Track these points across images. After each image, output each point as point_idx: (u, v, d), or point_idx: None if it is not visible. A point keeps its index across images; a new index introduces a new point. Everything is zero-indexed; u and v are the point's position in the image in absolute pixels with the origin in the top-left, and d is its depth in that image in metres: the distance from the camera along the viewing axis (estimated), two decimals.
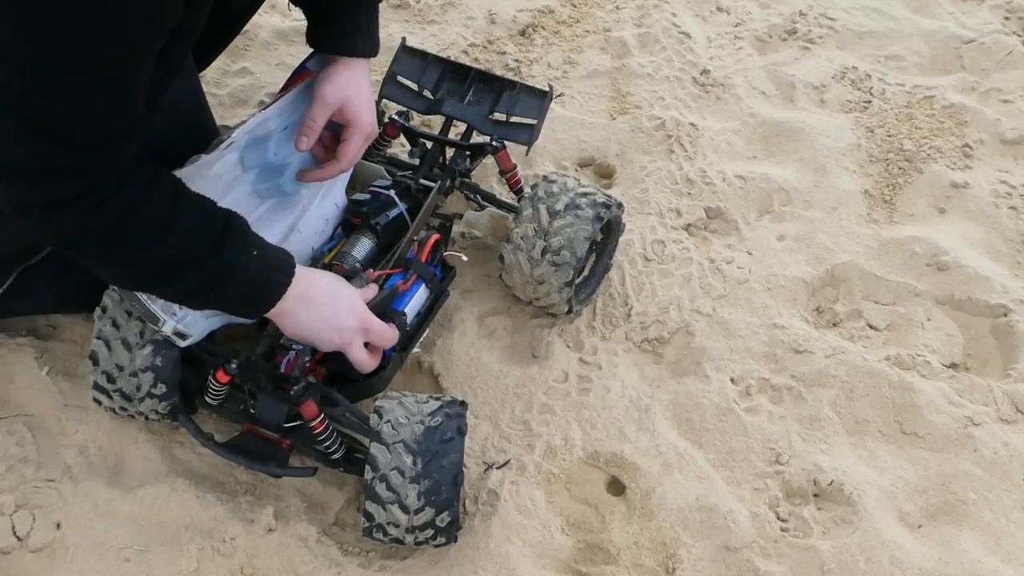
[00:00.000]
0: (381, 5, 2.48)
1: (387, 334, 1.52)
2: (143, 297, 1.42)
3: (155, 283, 1.35)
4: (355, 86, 1.56)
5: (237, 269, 1.35)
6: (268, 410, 1.50)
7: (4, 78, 1.08)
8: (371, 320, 1.49)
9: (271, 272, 1.39)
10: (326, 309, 1.45)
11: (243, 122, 1.55)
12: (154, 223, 1.27)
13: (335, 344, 1.47)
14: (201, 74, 1.99)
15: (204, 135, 1.71)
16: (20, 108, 1.11)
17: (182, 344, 1.49)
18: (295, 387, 1.44)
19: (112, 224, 1.24)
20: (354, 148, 1.58)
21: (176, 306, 1.45)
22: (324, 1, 1.58)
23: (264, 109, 1.57)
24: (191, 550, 1.50)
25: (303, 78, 1.62)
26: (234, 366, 1.46)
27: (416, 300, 1.63)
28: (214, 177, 1.48)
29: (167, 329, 1.46)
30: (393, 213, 1.69)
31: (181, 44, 1.30)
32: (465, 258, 1.73)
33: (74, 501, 1.57)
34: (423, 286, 1.64)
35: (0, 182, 1.19)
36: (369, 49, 1.59)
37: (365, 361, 1.50)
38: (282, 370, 1.49)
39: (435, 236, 1.69)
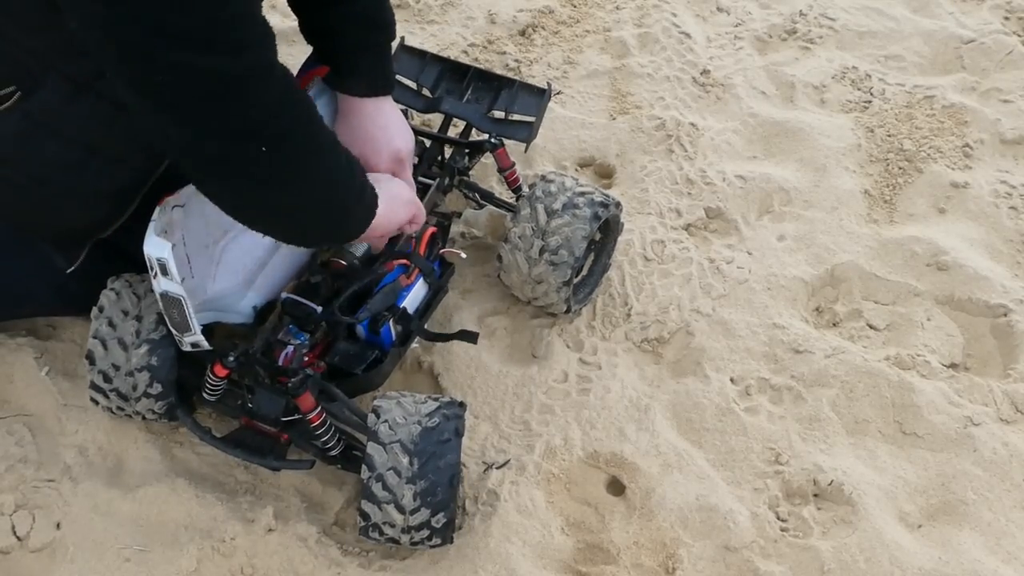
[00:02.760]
0: None
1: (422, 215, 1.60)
2: (188, 309, 1.40)
3: (340, 222, 1.38)
4: (358, 131, 1.59)
5: (369, 188, 1.39)
6: (266, 404, 1.50)
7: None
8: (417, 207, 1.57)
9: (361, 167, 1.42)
10: (394, 202, 1.49)
11: None
12: (340, 159, 1.31)
13: (408, 214, 1.53)
14: None
15: None
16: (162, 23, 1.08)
17: (188, 349, 1.49)
18: (292, 379, 1.45)
19: (305, 116, 1.24)
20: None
21: (191, 294, 1.44)
22: (321, 47, 1.59)
23: None
24: (191, 550, 1.50)
25: (308, 79, 1.62)
26: (231, 359, 1.46)
27: (415, 295, 1.63)
28: None
29: (189, 339, 1.46)
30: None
31: None
32: (464, 255, 1.73)
33: (74, 501, 1.57)
34: (421, 280, 1.64)
35: (164, 102, 1.16)
36: (366, 89, 1.59)
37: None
38: (280, 363, 1.49)
39: (431, 229, 1.69)
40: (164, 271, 1.36)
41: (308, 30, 1.61)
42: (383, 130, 1.60)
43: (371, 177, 1.44)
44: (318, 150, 1.28)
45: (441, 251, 1.71)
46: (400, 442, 1.40)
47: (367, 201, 1.40)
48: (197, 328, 1.43)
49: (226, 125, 1.18)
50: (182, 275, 1.39)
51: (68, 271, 1.61)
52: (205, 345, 1.47)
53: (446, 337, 1.67)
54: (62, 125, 1.43)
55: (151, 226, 1.36)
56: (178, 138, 1.19)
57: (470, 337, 1.66)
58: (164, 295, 1.41)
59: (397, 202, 1.50)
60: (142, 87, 1.15)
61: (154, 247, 1.35)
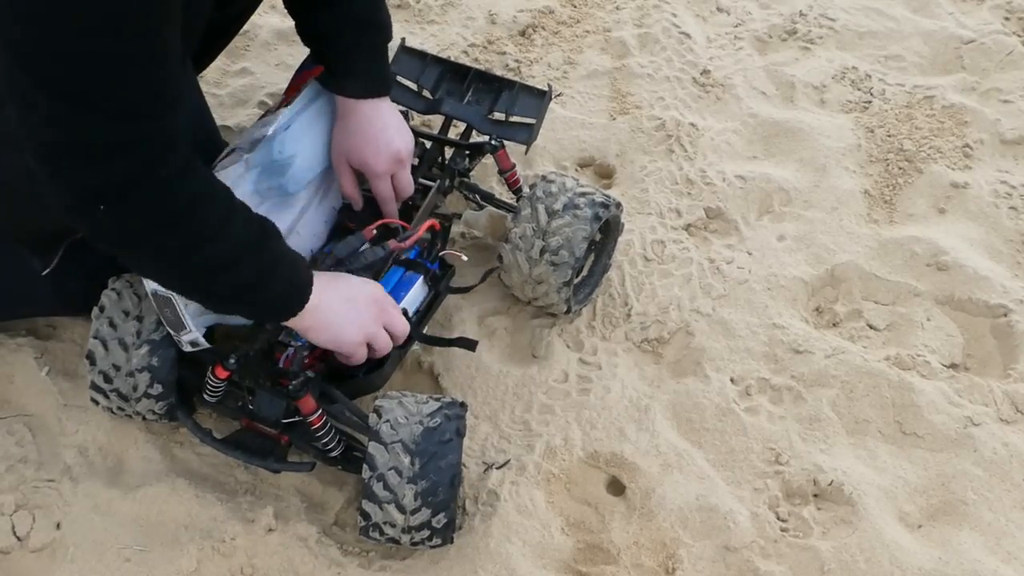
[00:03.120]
0: None
1: (401, 324, 1.52)
2: (180, 307, 1.41)
3: (210, 279, 1.32)
4: (356, 133, 1.58)
5: (281, 256, 1.35)
6: (266, 406, 1.50)
7: (31, 46, 1.07)
8: (388, 301, 1.51)
9: (300, 261, 1.40)
10: (356, 301, 1.45)
11: (256, 139, 1.54)
12: (220, 213, 1.26)
13: (361, 339, 1.46)
14: (201, 75, 2.00)
15: (208, 142, 1.71)
16: (51, 80, 1.10)
17: (188, 350, 1.49)
18: (293, 381, 1.45)
19: (181, 213, 1.23)
20: (381, 190, 1.60)
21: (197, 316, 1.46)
22: (318, 49, 1.59)
23: (268, 116, 1.57)
24: (191, 550, 1.50)
25: (305, 79, 1.62)
26: (232, 361, 1.46)
27: (414, 294, 1.63)
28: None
29: (186, 338, 1.46)
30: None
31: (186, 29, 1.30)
32: (465, 258, 1.73)
33: (74, 501, 1.57)
34: (420, 280, 1.64)
35: (52, 168, 1.17)
36: (365, 90, 1.58)
37: (387, 346, 1.50)
38: (280, 365, 1.49)
39: (431, 221, 1.68)
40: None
41: (304, 32, 1.61)
42: (382, 131, 1.59)
43: (333, 278, 1.45)
44: (186, 235, 1.26)
45: (441, 253, 1.71)
46: (402, 442, 1.40)
47: (274, 298, 1.37)
48: (191, 325, 1.44)
49: (86, 182, 1.19)
50: None
51: (44, 273, 1.61)
52: (204, 343, 1.47)
53: (445, 342, 1.67)
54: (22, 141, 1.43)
55: None
56: (47, 185, 1.21)
57: (469, 344, 1.66)
58: (154, 294, 1.42)
59: (347, 311, 1.44)
60: (22, 125, 1.17)
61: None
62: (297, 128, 1.58)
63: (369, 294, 1.48)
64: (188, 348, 1.49)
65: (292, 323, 1.41)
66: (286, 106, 1.59)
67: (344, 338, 1.45)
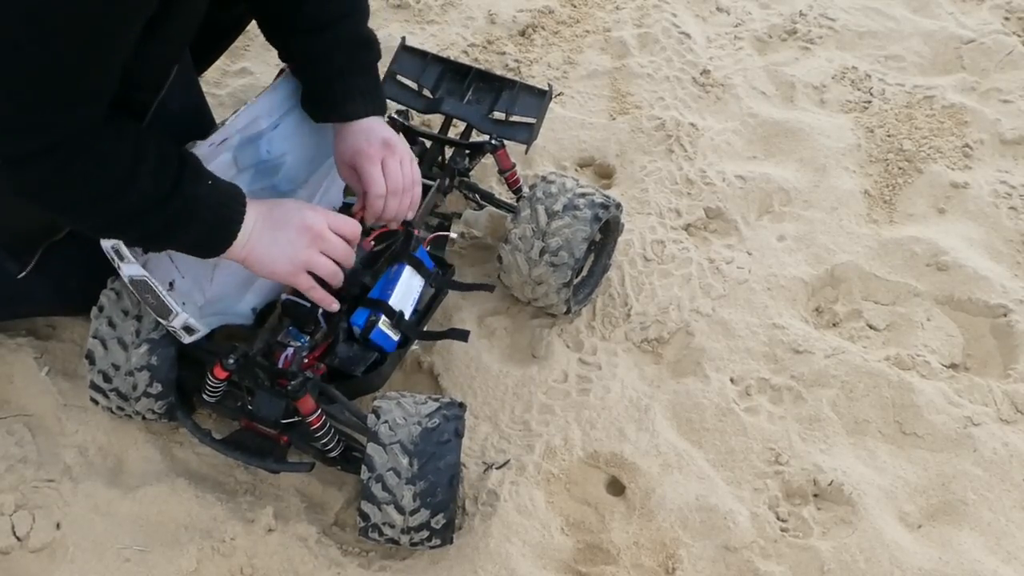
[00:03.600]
0: (381, 5, 2.50)
1: (340, 245, 1.48)
2: (158, 289, 1.42)
3: (119, 229, 1.37)
4: (359, 151, 1.55)
5: (196, 201, 1.35)
6: (266, 406, 1.50)
7: None
8: (322, 227, 1.46)
9: (228, 200, 1.39)
10: (287, 228, 1.43)
11: (234, 114, 1.53)
12: (116, 179, 1.28)
13: (293, 270, 1.45)
14: (201, 76, 1.99)
15: (201, 124, 1.70)
16: None
17: (187, 339, 1.49)
18: (292, 382, 1.45)
19: (75, 181, 1.26)
20: (371, 176, 1.55)
21: (186, 296, 1.46)
22: (311, 75, 1.57)
23: (251, 104, 1.56)
24: (191, 550, 1.50)
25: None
26: (231, 362, 1.46)
27: (405, 287, 1.62)
28: None
29: (177, 323, 1.46)
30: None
31: (169, 41, 1.31)
32: (455, 235, 1.72)
33: (74, 501, 1.57)
34: (408, 271, 1.63)
35: None
36: (363, 111, 1.57)
37: (329, 270, 1.47)
38: (280, 366, 1.49)
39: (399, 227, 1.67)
40: (119, 256, 1.40)
41: (292, 58, 1.59)
42: (377, 129, 1.58)
43: (271, 206, 1.44)
44: (98, 175, 1.29)
45: (429, 237, 1.70)
46: (400, 443, 1.40)
47: (198, 227, 1.38)
48: (177, 307, 1.44)
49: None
50: (152, 266, 1.42)
51: (19, 276, 1.62)
52: (198, 327, 1.47)
53: (437, 336, 1.67)
54: None
55: None
56: None
57: (462, 336, 1.66)
58: (131, 281, 1.42)
59: (275, 243, 1.43)
60: None
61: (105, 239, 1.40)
62: (285, 128, 1.58)
63: (302, 221, 1.45)
64: (185, 337, 1.48)
65: (227, 256, 1.42)
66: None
67: (277, 268, 1.44)
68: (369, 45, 1.58)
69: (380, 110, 1.60)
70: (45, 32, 1.10)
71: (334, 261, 1.48)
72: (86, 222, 1.37)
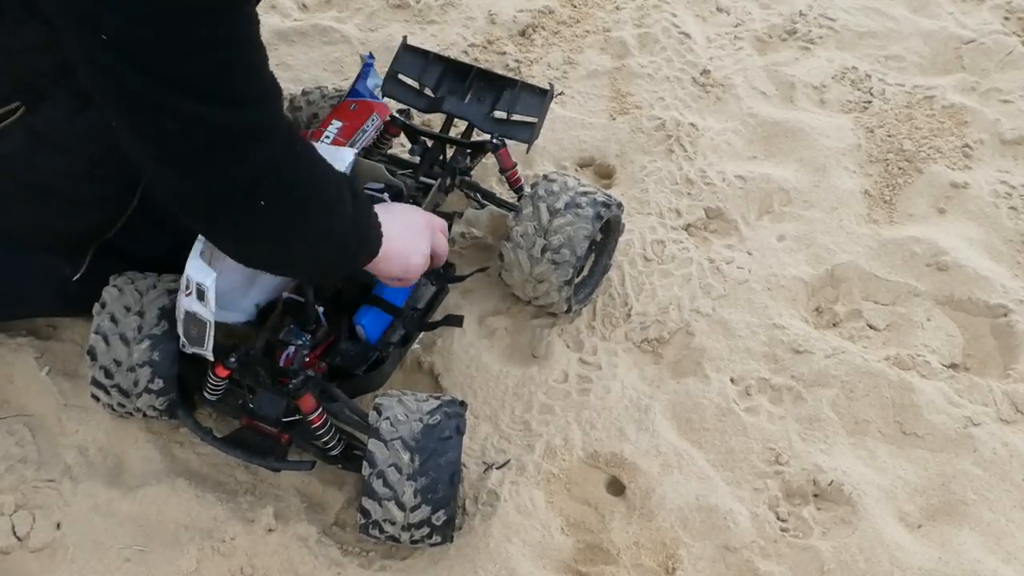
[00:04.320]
0: (381, 5, 2.51)
1: (445, 244, 1.58)
2: (211, 332, 1.39)
3: (330, 263, 1.36)
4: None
5: (371, 226, 1.37)
6: (267, 404, 1.50)
7: (152, 47, 1.06)
8: (433, 220, 1.55)
9: (369, 206, 1.41)
10: (412, 227, 1.49)
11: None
12: (330, 198, 1.26)
13: (424, 263, 1.51)
14: None
15: None
16: (183, 79, 1.08)
17: (190, 352, 1.49)
18: (293, 380, 1.45)
19: (305, 197, 1.22)
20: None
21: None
22: None
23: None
24: (191, 550, 1.50)
25: (370, 111, 1.63)
26: (233, 360, 1.46)
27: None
28: None
29: (195, 351, 1.45)
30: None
31: None
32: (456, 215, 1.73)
33: (74, 501, 1.57)
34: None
35: (183, 169, 1.15)
36: None
37: (446, 247, 1.57)
38: (281, 364, 1.49)
39: None
40: (201, 296, 1.38)
41: None
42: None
43: (386, 209, 1.45)
44: (318, 210, 1.27)
45: None
46: (401, 439, 1.40)
47: (370, 247, 1.40)
48: (210, 348, 1.43)
49: (221, 177, 1.17)
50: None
51: (74, 278, 1.61)
52: (209, 357, 1.47)
53: (432, 325, 1.68)
54: (67, 139, 1.44)
55: (196, 248, 1.38)
56: (172, 185, 1.19)
57: (456, 321, 1.68)
58: (191, 315, 1.40)
59: (410, 238, 1.49)
60: (139, 132, 1.15)
61: (197, 271, 1.37)
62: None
63: (420, 219, 1.52)
64: (189, 352, 1.49)
65: (367, 264, 1.43)
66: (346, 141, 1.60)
67: (412, 266, 1.49)
68: None
69: None
70: (226, 23, 1.08)
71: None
72: (310, 262, 1.34)
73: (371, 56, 1.88)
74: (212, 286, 1.36)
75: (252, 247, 1.30)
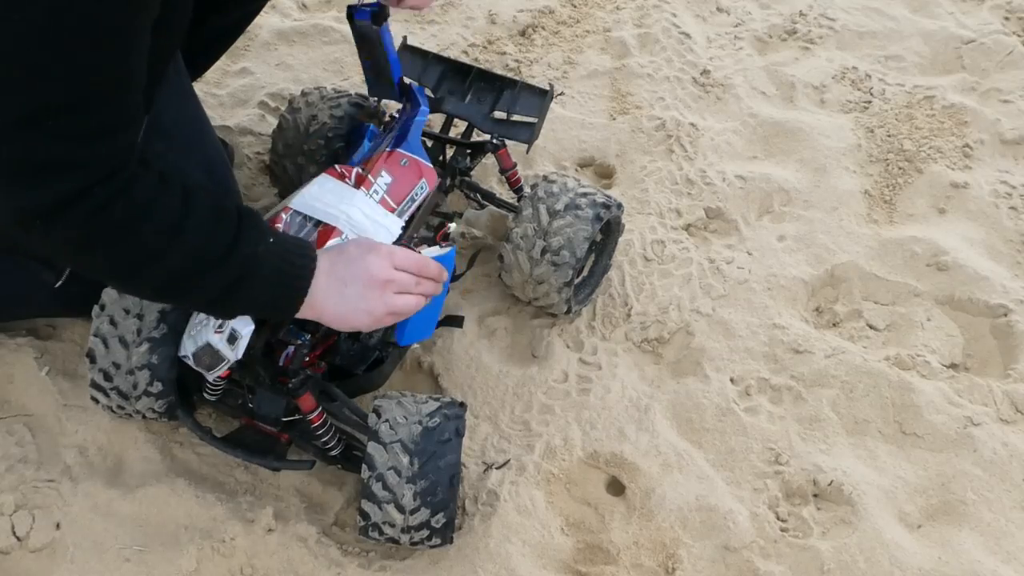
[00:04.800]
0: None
1: (410, 282, 1.41)
2: (214, 341, 1.38)
3: (178, 291, 1.27)
4: None
5: (258, 260, 1.26)
6: (266, 404, 1.50)
7: None
8: (388, 273, 1.38)
9: (294, 257, 1.31)
10: (357, 284, 1.35)
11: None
12: (167, 227, 1.19)
13: (375, 321, 1.39)
14: (201, 77, 2.00)
15: (205, 155, 1.69)
16: (4, 95, 1.04)
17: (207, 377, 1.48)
18: (293, 380, 1.45)
19: (121, 230, 1.17)
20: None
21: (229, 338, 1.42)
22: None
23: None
24: (191, 550, 1.50)
25: (413, 171, 1.62)
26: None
27: None
28: None
29: (200, 370, 1.45)
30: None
31: (165, 41, 1.26)
32: (453, 226, 1.71)
33: (74, 501, 1.56)
34: None
35: None
36: None
37: (410, 305, 1.40)
38: (280, 364, 1.49)
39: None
40: (232, 340, 1.38)
41: None
42: None
43: (331, 261, 1.35)
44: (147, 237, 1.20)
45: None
46: (401, 442, 1.40)
47: (261, 290, 1.29)
48: (217, 376, 1.44)
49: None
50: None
51: (56, 285, 1.59)
52: (208, 377, 1.47)
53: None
54: None
55: None
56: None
57: (456, 322, 1.67)
58: (214, 350, 1.40)
59: (359, 286, 1.36)
60: None
61: (237, 321, 1.37)
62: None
63: (367, 273, 1.37)
64: (186, 361, 1.48)
65: (300, 315, 1.35)
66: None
67: (356, 325, 1.39)
68: None
69: None
70: (64, 51, 1.03)
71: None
72: (133, 284, 1.27)
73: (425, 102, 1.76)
74: (247, 336, 1.37)
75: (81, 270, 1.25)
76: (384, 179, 1.60)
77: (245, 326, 1.38)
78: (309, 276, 1.32)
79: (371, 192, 1.57)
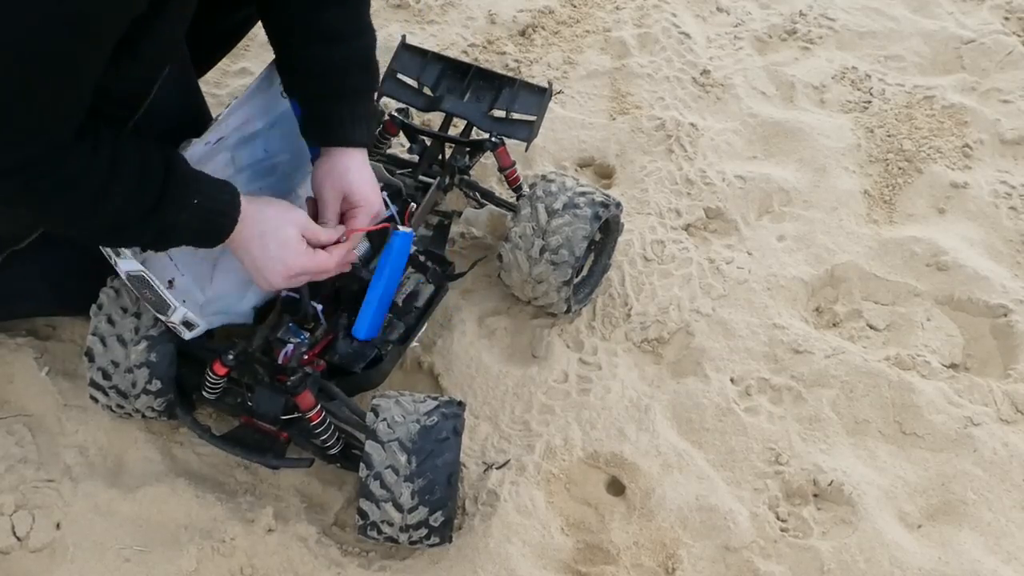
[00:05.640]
0: (381, 5, 2.51)
1: (318, 264, 1.46)
2: (155, 284, 1.42)
3: (107, 242, 1.41)
4: (355, 172, 1.51)
5: (179, 224, 1.35)
6: (265, 402, 1.50)
7: None
8: (298, 245, 1.44)
9: (215, 217, 1.38)
10: (267, 247, 1.42)
11: (227, 111, 1.49)
12: (89, 196, 1.27)
13: (274, 286, 1.46)
14: (201, 78, 1.99)
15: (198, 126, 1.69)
16: None
17: (188, 335, 1.49)
18: (292, 378, 1.45)
19: (46, 200, 1.26)
20: (360, 224, 1.52)
21: (185, 293, 1.47)
22: (315, 91, 1.51)
23: (243, 101, 1.52)
24: (191, 550, 1.50)
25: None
26: (231, 357, 1.46)
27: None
28: None
29: (176, 317, 1.46)
30: (384, 215, 1.68)
31: (168, 26, 1.29)
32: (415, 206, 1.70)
33: (74, 501, 1.57)
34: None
35: None
36: (364, 138, 1.53)
37: (324, 265, 1.46)
38: (279, 362, 1.49)
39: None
40: (116, 252, 1.42)
41: (296, 70, 1.51)
42: (366, 180, 1.53)
43: (255, 212, 1.41)
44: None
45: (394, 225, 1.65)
46: (398, 440, 1.40)
47: (184, 235, 1.38)
48: (175, 302, 1.44)
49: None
50: (150, 263, 1.43)
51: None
52: (198, 322, 1.47)
53: (450, 277, 1.71)
54: None
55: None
56: None
57: (453, 276, 1.68)
58: (129, 277, 1.43)
59: (269, 248, 1.42)
60: None
61: (193, 307, 1.42)
62: (281, 127, 1.57)
63: (284, 237, 1.43)
64: (185, 333, 1.48)
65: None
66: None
67: (261, 283, 1.46)
68: (376, 72, 1.56)
69: (370, 140, 1.59)
70: (16, 60, 1.10)
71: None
72: (68, 234, 1.39)
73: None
74: (202, 329, 1.46)
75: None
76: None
77: (201, 318, 1.45)
78: (231, 227, 1.40)
79: None
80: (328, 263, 1.47)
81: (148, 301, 1.46)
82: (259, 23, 1.78)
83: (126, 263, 1.42)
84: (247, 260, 1.44)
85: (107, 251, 1.42)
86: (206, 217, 1.38)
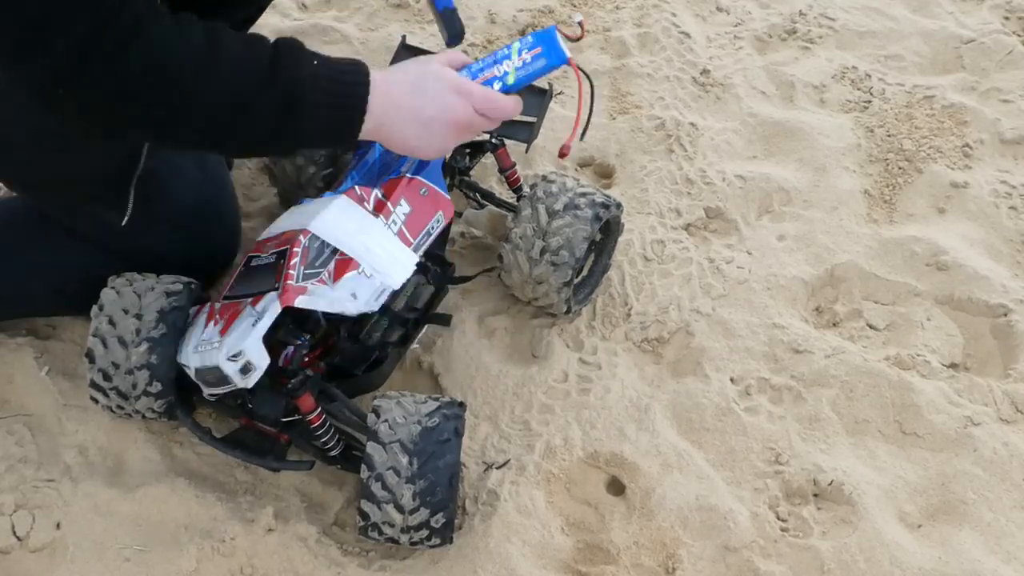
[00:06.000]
0: (381, 5, 2.51)
1: (492, 98, 1.33)
2: (226, 367, 1.39)
3: (223, 133, 1.18)
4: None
5: (304, 83, 1.17)
6: (266, 404, 1.50)
7: None
8: (472, 118, 1.31)
9: (343, 75, 1.22)
10: (430, 126, 1.28)
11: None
12: (193, 61, 1.11)
13: (440, 151, 1.33)
14: None
15: None
16: None
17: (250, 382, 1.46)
18: (292, 380, 1.45)
19: (145, 73, 1.09)
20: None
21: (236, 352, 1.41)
22: None
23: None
24: (191, 550, 1.50)
25: (432, 203, 1.60)
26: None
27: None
28: None
29: (199, 382, 1.46)
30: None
31: None
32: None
33: (74, 501, 1.57)
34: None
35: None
36: None
37: (502, 103, 1.33)
38: (280, 364, 1.49)
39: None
40: (246, 371, 1.39)
41: None
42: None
43: (394, 83, 1.25)
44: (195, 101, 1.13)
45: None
46: (400, 442, 1.40)
47: (316, 117, 1.20)
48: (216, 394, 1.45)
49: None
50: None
51: (123, 223, 1.52)
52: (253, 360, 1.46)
53: (420, 322, 1.68)
54: None
55: (259, 327, 1.38)
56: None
57: (443, 320, 1.67)
58: (222, 375, 1.40)
59: (432, 128, 1.27)
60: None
61: (255, 351, 1.38)
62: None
63: (454, 119, 1.30)
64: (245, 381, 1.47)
65: (363, 136, 1.26)
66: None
67: (423, 155, 1.34)
68: None
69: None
70: None
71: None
72: (174, 133, 1.18)
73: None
74: (262, 369, 1.40)
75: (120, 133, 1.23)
76: (403, 208, 1.57)
77: (262, 359, 1.39)
78: (364, 101, 1.23)
79: (390, 222, 1.54)
80: (506, 101, 1.34)
81: (205, 379, 1.43)
82: (259, 23, 1.78)
83: (238, 378, 1.39)
84: (400, 128, 1.25)
85: (239, 355, 1.37)
86: (332, 73, 1.20)
